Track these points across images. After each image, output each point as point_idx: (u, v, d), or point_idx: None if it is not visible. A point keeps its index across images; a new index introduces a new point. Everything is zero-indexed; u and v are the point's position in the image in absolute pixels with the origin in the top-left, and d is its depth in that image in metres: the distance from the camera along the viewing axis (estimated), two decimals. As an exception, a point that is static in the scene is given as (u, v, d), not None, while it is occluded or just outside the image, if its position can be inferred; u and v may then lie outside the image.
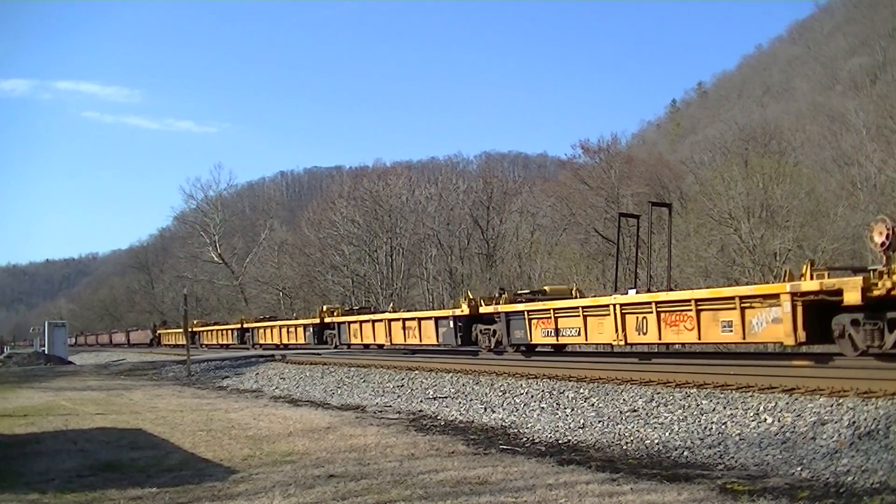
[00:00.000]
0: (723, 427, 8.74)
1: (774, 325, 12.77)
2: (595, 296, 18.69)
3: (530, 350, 19.29)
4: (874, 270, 11.17)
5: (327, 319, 30.96)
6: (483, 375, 14.80)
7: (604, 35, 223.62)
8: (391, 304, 33.31)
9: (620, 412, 10.32)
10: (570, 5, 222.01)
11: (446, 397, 13.79)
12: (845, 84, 59.70)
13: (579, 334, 17.23)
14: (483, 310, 20.58)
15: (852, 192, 32.19)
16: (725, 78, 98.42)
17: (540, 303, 19.00)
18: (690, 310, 14.52)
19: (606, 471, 7.16)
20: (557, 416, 10.83)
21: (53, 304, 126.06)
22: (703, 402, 9.75)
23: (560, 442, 9.38)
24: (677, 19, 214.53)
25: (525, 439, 9.70)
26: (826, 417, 8.02)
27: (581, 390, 11.91)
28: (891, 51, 58.22)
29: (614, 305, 16.21)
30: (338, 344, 29.53)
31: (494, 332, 20.07)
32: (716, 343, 15.79)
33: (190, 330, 44.40)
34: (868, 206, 30.38)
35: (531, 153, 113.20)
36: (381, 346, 26.67)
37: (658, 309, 15.15)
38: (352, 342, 28.61)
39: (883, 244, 11.14)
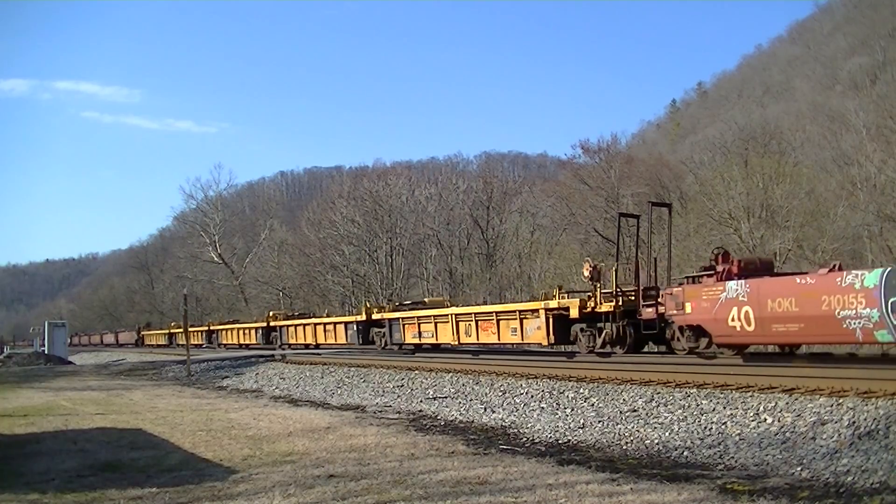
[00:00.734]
0: (723, 427, 8.74)
1: (538, 330, 17.76)
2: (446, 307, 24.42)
3: (401, 347, 24.56)
4: (589, 294, 16.75)
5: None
6: (483, 375, 14.82)
7: (604, 35, 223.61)
8: (326, 311, 38.44)
9: (620, 412, 10.32)
10: (570, 5, 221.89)
11: (446, 397, 13.80)
12: (845, 84, 59.63)
13: (432, 336, 22.69)
14: (375, 317, 26.47)
15: (852, 192, 32.11)
16: (725, 78, 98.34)
17: (408, 312, 24.77)
18: (493, 319, 19.76)
19: (606, 471, 7.16)
20: (557, 416, 10.83)
21: (53, 304, 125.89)
22: (703, 402, 9.75)
23: (560, 442, 9.38)
24: (677, 19, 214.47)
25: (525, 439, 9.70)
26: (826, 417, 8.02)
27: (581, 390, 11.92)
28: (891, 51, 58.18)
29: (452, 315, 21.72)
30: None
31: (383, 334, 25.46)
32: (507, 343, 20.89)
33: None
34: (868, 206, 30.35)
35: (531, 153, 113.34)
36: (307, 346, 31.82)
37: (476, 318, 20.48)
38: (292, 342, 33.65)
39: (590, 276, 16.70)
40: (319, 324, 31.52)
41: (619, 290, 16.04)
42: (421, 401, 13.87)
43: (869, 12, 72.91)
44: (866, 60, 61.45)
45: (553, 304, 17.32)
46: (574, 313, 16.61)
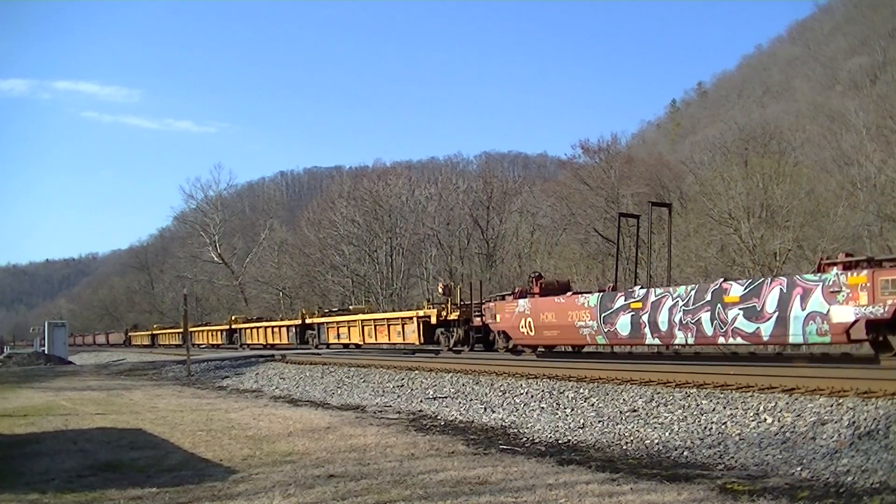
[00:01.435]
0: (723, 427, 8.74)
1: (413, 333, 24.09)
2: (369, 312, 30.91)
3: (328, 346, 30.46)
4: (442, 305, 23.05)
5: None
6: (483, 375, 14.81)
7: (604, 35, 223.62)
8: (280, 315, 43.86)
9: (620, 412, 10.32)
10: (569, 5, 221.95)
11: (446, 397, 13.80)
12: (845, 84, 59.58)
13: (348, 337, 28.99)
14: (307, 321, 32.81)
15: (852, 192, 32.03)
16: (725, 78, 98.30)
17: (331, 318, 31.36)
18: (385, 324, 26.19)
19: (606, 471, 7.16)
20: (557, 416, 10.83)
21: (53, 304, 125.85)
22: (703, 402, 9.75)
23: (560, 442, 9.38)
24: (677, 19, 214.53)
25: (525, 439, 9.69)
26: (826, 417, 8.02)
27: (581, 390, 11.91)
28: (891, 51, 58.15)
29: (360, 321, 28.18)
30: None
31: (315, 335, 31.74)
32: (395, 343, 26.20)
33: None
34: (868, 206, 30.31)
35: (531, 153, 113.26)
36: (264, 346, 36.48)
37: (375, 324, 26.94)
38: (250, 342, 39.24)
39: (443, 292, 23.85)
40: (269, 326, 37.63)
41: (462, 302, 21.99)
42: (421, 401, 13.87)
43: (869, 12, 72.87)
44: (866, 60, 61.42)
45: (422, 313, 23.72)
46: (434, 320, 22.78)
